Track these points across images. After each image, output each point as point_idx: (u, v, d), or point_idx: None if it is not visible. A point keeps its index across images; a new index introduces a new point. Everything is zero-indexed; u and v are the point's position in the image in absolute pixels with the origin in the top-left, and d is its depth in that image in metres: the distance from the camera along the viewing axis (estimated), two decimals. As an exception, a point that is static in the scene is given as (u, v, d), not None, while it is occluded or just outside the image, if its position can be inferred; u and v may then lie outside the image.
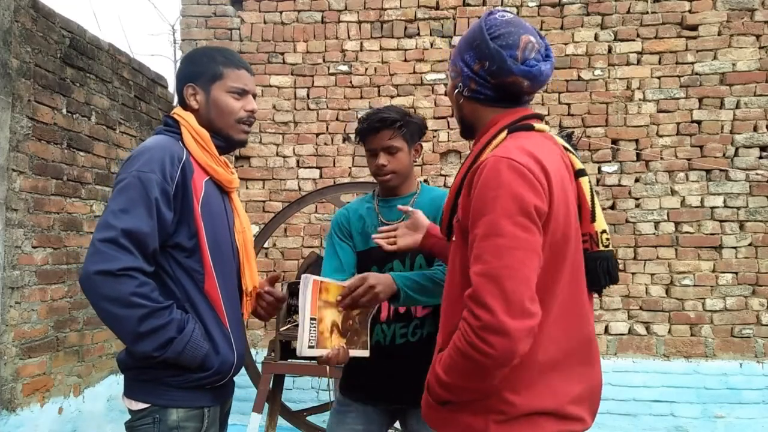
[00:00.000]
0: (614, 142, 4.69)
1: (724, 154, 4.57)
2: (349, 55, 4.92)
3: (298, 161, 4.93)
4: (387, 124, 2.05)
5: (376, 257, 2.10)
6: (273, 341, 3.77)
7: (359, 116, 2.17)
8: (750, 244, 4.49)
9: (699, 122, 4.61)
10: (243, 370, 3.55)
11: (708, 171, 4.57)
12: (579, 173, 1.46)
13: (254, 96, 1.81)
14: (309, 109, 4.93)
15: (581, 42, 4.75)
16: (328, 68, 4.93)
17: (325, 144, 4.91)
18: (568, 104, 4.74)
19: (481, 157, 1.38)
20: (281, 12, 4.98)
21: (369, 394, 2.09)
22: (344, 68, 4.91)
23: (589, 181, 1.46)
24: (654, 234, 4.59)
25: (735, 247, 4.50)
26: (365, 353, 1.92)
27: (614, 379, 4.38)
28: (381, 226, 2.07)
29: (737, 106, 4.57)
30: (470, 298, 1.27)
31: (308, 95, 4.94)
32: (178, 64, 1.86)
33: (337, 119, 4.89)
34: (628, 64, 4.69)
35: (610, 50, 4.72)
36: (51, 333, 3.45)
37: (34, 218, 3.30)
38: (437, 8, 4.89)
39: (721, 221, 4.53)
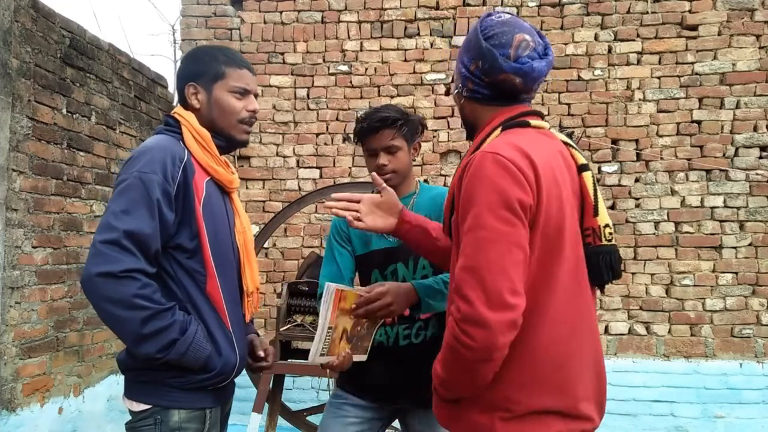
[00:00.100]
0: (614, 142, 4.69)
1: (724, 154, 4.57)
2: (349, 55, 4.92)
3: (298, 161, 4.93)
4: (387, 123, 2.02)
5: (378, 261, 2.08)
6: (273, 341, 3.76)
7: (358, 116, 2.13)
8: (750, 244, 4.49)
9: (699, 122, 4.61)
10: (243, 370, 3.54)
11: (708, 171, 4.57)
12: (582, 168, 1.47)
13: (256, 96, 1.80)
14: (309, 109, 4.93)
15: (581, 42, 4.75)
16: (328, 68, 4.93)
17: (325, 144, 4.90)
18: (568, 104, 4.74)
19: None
20: (281, 12, 4.98)
21: (369, 392, 2.07)
22: (344, 68, 4.91)
23: (593, 176, 1.47)
24: (654, 234, 4.59)
25: (735, 247, 4.50)
26: (363, 358, 1.92)
27: (614, 379, 4.38)
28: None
29: (737, 106, 4.57)
30: (454, 291, 1.29)
31: (308, 95, 4.94)
32: (179, 62, 1.85)
33: (337, 119, 4.89)
34: (628, 64, 4.69)
35: (610, 50, 4.72)
36: (51, 333, 3.45)
37: (34, 218, 3.29)
38: (437, 8, 4.89)
39: (721, 221, 4.53)
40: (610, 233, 1.45)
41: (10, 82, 3.10)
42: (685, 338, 4.50)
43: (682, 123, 4.62)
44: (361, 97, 4.87)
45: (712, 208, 4.55)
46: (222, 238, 1.70)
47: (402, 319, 2.05)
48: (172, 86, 4.99)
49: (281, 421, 3.97)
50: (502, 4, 4.82)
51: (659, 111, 4.64)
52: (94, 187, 3.85)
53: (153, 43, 21.22)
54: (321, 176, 4.90)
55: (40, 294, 3.36)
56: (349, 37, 4.93)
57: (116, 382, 4.05)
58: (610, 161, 4.68)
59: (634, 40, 4.70)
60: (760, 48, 4.57)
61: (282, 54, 4.96)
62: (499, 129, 1.43)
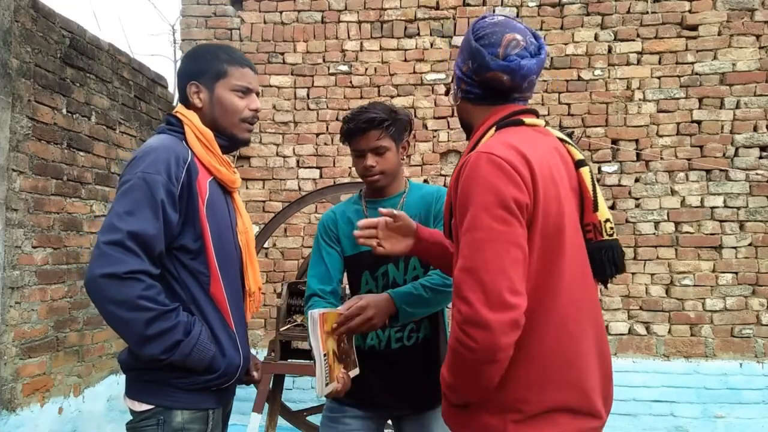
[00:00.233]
0: (614, 142, 4.69)
1: (724, 154, 4.57)
2: (349, 55, 4.92)
3: (298, 161, 4.92)
4: (374, 124, 1.95)
5: (368, 262, 2.02)
6: (273, 341, 3.76)
7: (344, 116, 2.07)
8: (750, 244, 4.49)
9: (699, 122, 4.61)
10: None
11: (708, 171, 4.57)
12: (579, 163, 1.47)
13: (258, 94, 1.80)
14: (309, 109, 4.93)
15: (581, 42, 4.75)
16: (328, 68, 4.92)
17: (325, 144, 4.90)
18: (568, 104, 4.74)
19: None
20: (281, 12, 4.97)
21: (364, 401, 2.00)
22: (344, 68, 4.91)
23: (591, 171, 1.47)
24: (654, 234, 4.59)
25: (735, 247, 4.50)
26: (357, 371, 1.89)
27: (614, 379, 4.35)
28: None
29: (737, 106, 4.57)
30: (454, 294, 1.28)
31: (308, 95, 4.94)
32: (181, 61, 1.84)
33: (337, 119, 4.89)
34: (628, 64, 4.70)
35: (610, 50, 4.72)
36: (51, 333, 3.44)
37: (34, 218, 3.29)
38: (437, 8, 4.89)
39: (721, 221, 4.53)
40: (611, 228, 1.44)
41: (10, 82, 3.10)
42: (685, 338, 4.50)
43: (682, 123, 4.62)
44: (361, 97, 4.86)
45: (712, 208, 4.55)
46: (225, 238, 1.69)
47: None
48: (172, 86, 4.99)
49: (281, 421, 3.97)
50: (502, 4, 4.82)
51: (659, 111, 4.65)
52: (94, 187, 3.84)
53: (153, 43, 21.21)
54: (321, 176, 4.89)
55: (40, 294, 3.35)
56: (349, 37, 4.93)
57: (116, 382, 4.05)
58: (610, 161, 4.68)
59: (634, 40, 4.70)
60: (760, 48, 4.58)
61: (282, 54, 4.96)
62: (493, 129, 1.43)
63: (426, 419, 2.01)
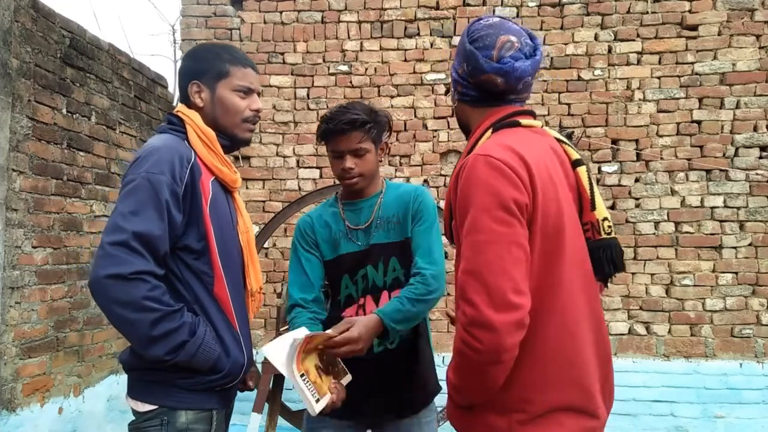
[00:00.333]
0: (614, 142, 4.69)
1: (724, 154, 4.57)
2: (349, 55, 4.91)
3: (298, 161, 4.92)
4: (356, 125, 1.91)
5: (348, 265, 2.00)
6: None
7: (323, 115, 2.00)
8: (750, 244, 4.49)
9: (699, 122, 4.61)
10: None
11: (708, 171, 4.57)
12: (576, 163, 1.48)
13: (259, 94, 1.80)
14: (309, 109, 4.92)
15: (581, 42, 4.75)
16: (328, 68, 4.92)
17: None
18: (568, 104, 4.74)
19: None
20: (281, 12, 4.97)
21: (344, 409, 1.83)
22: (344, 68, 4.90)
23: (588, 170, 1.47)
24: (654, 234, 4.60)
25: (735, 247, 4.50)
26: (349, 377, 1.84)
27: (614, 379, 4.37)
28: (348, 233, 1.98)
29: (737, 106, 4.58)
30: (459, 296, 1.29)
31: (308, 95, 4.94)
32: (182, 60, 1.84)
33: (337, 119, 4.88)
34: (628, 64, 4.70)
35: (610, 50, 4.72)
36: (51, 333, 3.44)
37: (34, 218, 3.28)
38: (437, 8, 4.88)
39: (721, 221, 4.53)
40: (610, 226, 1.45)
41: (10, 82, 3.09)
42: (685, 338, 4.50)
43: (682, 123, 4.62)
44: (361, 97, 4.86)
45: (712, 208, 4.55)
46: (228, 238, 1.69)
47: None
48: (172, 86, 4.99)
49: (281, 421, 3.97)
50: (502, 5, 4.82)
51: (659, 111, 4.65)
52: (94, 187, 3.84)
53: (153, 43, 21.16)
54: (321, 176, 4.89)
55: (40, 294, 3.35)
56: (349, 37, 4.92)
57: (116, 382, 4.04)
58: (610, 161, 4.68)
59: (634, 40, 4.70)
60: (760, 48, 4.58)
61: (282, 54, 4.96)
62: (490, 130, 1.44)
63: (406, 426, 1.99)
